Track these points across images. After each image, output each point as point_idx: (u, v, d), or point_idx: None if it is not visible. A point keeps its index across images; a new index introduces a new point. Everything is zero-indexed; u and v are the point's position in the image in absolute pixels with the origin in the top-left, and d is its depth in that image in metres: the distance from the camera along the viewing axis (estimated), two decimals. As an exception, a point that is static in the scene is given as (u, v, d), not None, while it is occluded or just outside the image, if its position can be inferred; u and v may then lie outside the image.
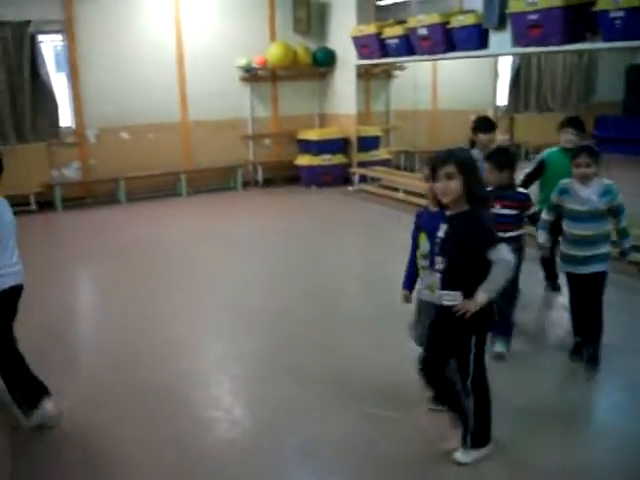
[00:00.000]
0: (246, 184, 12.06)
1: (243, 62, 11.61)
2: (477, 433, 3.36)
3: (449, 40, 8.79)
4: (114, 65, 10.92)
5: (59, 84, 10.89)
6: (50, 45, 10.88)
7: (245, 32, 11.69)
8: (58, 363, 4.63)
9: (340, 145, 11.73)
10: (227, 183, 11.93)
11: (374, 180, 11.22)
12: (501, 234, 3.36)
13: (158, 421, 3.93)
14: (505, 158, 4.43)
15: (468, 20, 8.39)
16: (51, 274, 7.00)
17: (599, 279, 4.30)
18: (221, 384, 4.46)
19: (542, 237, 4.52)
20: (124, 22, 10.94)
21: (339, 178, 11.72)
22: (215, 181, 11.75)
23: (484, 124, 5.53)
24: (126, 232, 9.01)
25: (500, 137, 6.19)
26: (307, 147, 11.85)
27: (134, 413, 4.02)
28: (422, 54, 9.48)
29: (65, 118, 10.90)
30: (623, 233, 4.36)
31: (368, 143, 11.77)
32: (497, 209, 4.24)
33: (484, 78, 13.71)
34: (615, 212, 4.26)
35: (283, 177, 12.23)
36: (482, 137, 5.43)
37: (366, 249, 8.19)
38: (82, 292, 7.15)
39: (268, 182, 12.17)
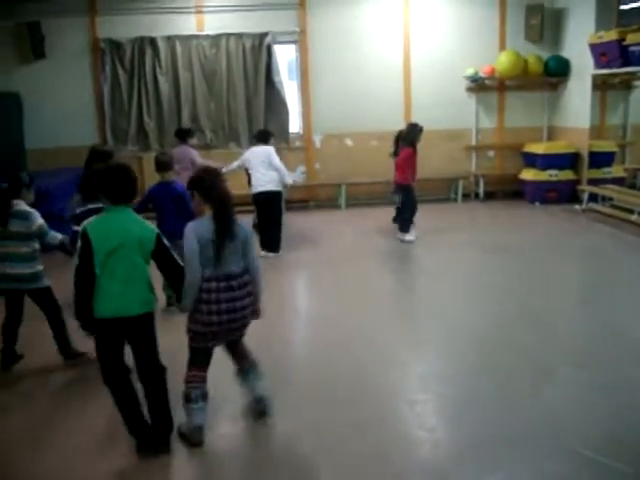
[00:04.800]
0: (466, 196, 11.82)
1: (470, 71, 11.39)
2: None
3: None
4: (342, 74, 11.31)
5: (290, 92, 11.41)
6: (284, 54, 11.43)
7: (474, 40, 11.48)
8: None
9: (569, 160, 11.04)
10: (447, 194, 11.77)
11: (605, 199, 10.41)
12: None
13: (360, 432, 3.90)
14: None
15: None
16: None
17: None
18: (426, 402, 4.33)
19: None
20: (353, 33, 11.35)
21: (566, 195, 11.03)
22: (435, 191, 11.63)
23: None
24: (343, 238, 9.30)
25: None
26: (533, 161, 11.30)
27: (335, 420, 4.05)
28: (672, 63, 8.64)
29: (294, 124, 11.40)
30: None
31: (601, 159, 10.93)
32: None
33: None
34: None
35: (505, 191, 11.80)
36: None
37: (589, 274, 7.58)
38: (294, 293, 7.45)
39: (489, 195, 11.81)
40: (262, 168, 8.15)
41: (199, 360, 3.84)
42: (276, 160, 8.15)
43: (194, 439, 3.81)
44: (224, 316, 3.69)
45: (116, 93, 10.88)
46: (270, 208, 8.27)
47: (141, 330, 3.69)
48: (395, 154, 8.94)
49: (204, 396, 3.83)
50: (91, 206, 4.99)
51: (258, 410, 4.07)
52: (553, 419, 3.97)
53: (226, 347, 4.00)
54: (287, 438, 3.91)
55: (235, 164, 8.49)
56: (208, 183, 3.77)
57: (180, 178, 8.13)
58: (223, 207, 3.72)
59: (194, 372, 3.83)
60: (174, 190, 6.13)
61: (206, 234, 3.66)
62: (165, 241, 3.74)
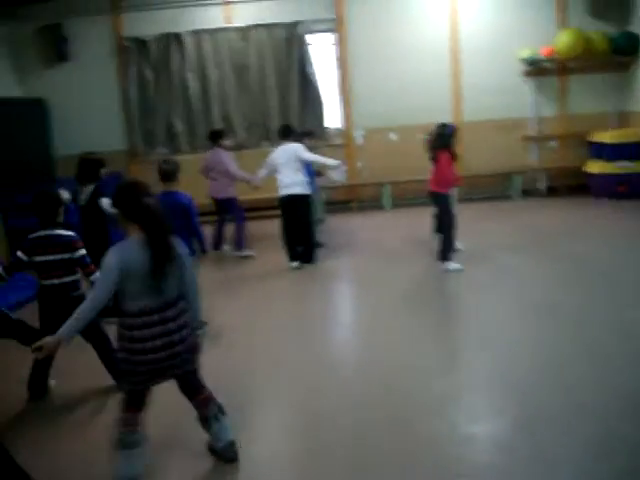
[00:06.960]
0: (525, 192, 10.68)
1: (526, 53, 10.28)
2: None
3: None
4: (384, 63, 10.50)
5: (328, 84, 10.59)
6: (320, 44, 10.60)
7: (529, 19, 10.33)
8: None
9: (642, 150, 9.81)
10: (503, 191, 10.67)
11: (685, 193, 9.16)
12: None
13: None
14: None
15: None
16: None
17: None
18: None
19: None
20: (395, 19, 10.52)
21: (638, 190, 9.80)
22: (489, 188, 10.58)
23: None
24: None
25: None
26: (600, 151, 10.07)
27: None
28: None
29: (333, 118, 10.60)
30: None
31: (680, 148, 9.68)
32: None
33: None
34: None
35: (569, 186, 10.59)
36: None
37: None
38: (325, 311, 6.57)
39: (551, 191, 10.67)
40: (285, 169, 7.41)
41: (134, 401, 3.31)
42: (306, 155, 7.45)
43: None
44: (161, 353, 3.17)
45: (143, 94, 10.33)
46: (296, 213, 7.49)
47: None
48: (432, 158, 7.13)
49: (139, 442, 3.31)
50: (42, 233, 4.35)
51: (227, 457, 3.49)
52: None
53: (180, 388, 3.47)
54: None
55: (264, 171, 7.70)
56: (131, 198, 3.21)
57: (216, 184, 8.15)
58: (156, 228, 3.16)
59: (128, 414, 3.29)
60: (178, 201, 5.46)
61: (135, 262, 3.09)
62: None
